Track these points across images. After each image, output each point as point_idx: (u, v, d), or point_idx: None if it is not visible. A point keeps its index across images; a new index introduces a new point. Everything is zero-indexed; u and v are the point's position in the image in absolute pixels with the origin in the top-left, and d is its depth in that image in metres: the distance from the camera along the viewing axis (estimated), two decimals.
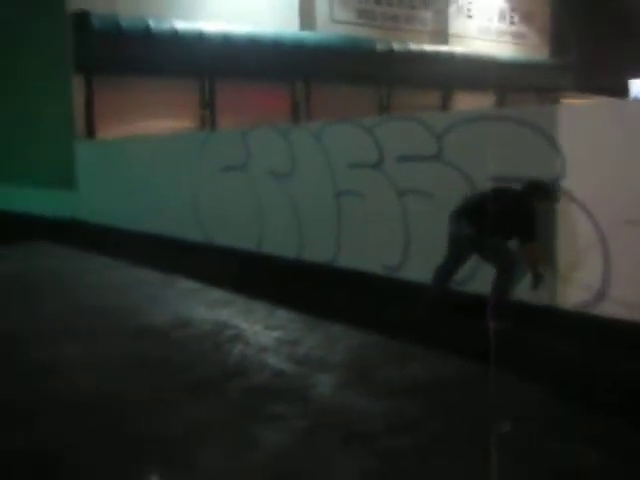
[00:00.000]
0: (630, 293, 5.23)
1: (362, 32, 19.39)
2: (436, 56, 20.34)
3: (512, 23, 24.20)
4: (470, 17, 22.76)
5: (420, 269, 6.58)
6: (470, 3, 22.70)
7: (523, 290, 5.88)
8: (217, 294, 7.04)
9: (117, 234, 11.30)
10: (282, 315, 6.12)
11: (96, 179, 12.77)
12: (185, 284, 7.61)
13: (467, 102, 21.41)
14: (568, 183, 5.53)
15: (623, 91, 25.21)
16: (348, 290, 7.01)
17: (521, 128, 5.83)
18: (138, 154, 11.38)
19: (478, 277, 6.19)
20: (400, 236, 6.86)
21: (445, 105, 21.42)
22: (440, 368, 4.68)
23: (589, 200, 5.42)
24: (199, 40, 15.45)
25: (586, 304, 5.52)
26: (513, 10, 24.13)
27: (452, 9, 22.04)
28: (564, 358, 4.79)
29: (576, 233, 5.54)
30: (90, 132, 14.34)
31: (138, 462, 3.47)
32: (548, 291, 5.74)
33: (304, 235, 8.12)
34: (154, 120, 15.09)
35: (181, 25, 15.26)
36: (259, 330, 5.67)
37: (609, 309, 5.35)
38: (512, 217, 5.54)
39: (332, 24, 18.84)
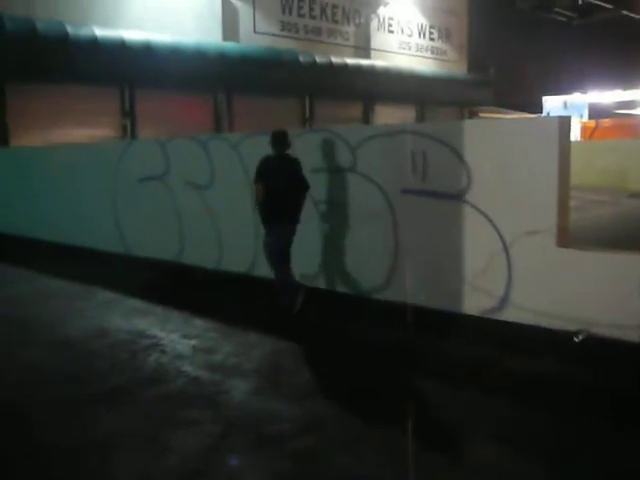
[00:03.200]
0: (530, 299, 5.57)
1: (285, 44, 19.63)
2: (358, 69, 20.79)
3: (432, 39, 25.01)
4: (391, 32, 23.38)
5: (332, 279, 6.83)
6: (391, 19, 23.32)
7: (433, 297, 6.18)
8: (135, 304, 7.01)
9: (35, 246, 11.03)
10: (199, 324, 6.17)
11: (10, 188, 12.41)
12: (103, 295, 7.53)
13: (388, 115, 21.97)
14: (473, 195, 5.84)
15: (538, 107, 26.44)
16: (265, 299, 7.11)
17: (432, 142, 6.11)
18: (56, 163, 11.16)
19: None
20: (318, 245, 7.03)
21: (366, 117, 21.90)
22: (347, 373, 4.85)
23: (493, 212, 5.74)
24: (120, 48, 15.30)
25: (491, 310, 5.83)
26: (432, 27, 24.94)
27: (373, 24, 22.59)
28: (477, 362, 5.06)
29: (481, 243, 5.85)
30: (3, 140, 13.94)
31: (51, 472, 3.48)
32: (455, 298, 6.03)
33: (223, 245, 8.19)
34: (73, 128, 14.85)
35: (101, 32, 15.07)
36: (175, 339, 5.71)
37: (511, 314, 5.68)
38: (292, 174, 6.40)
39: (255, 35, 19.01)
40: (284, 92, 18.93)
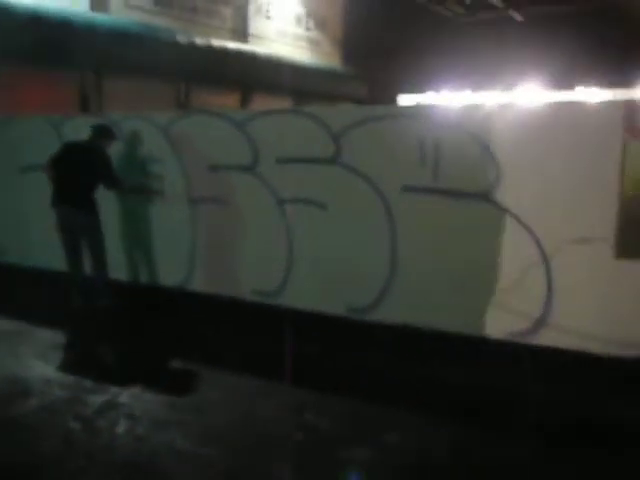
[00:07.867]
0: (576, 320, 4.60)
1: (159, 21, 17.65)
2: (238, 55, 19.28)
3: (308, 29, 24.01)
4: (269, 18, 22.06)
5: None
6: (269, 4, 22.01)
7: (444, 318, 5.04)
8: (47, 336, 5.18)
9: None
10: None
11: None
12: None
13: (266, 105, 20.65)
14: (503, 194, 4.77)
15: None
16: (213, 322, 5.56)
17: (445, 128, 4.96)
18: None
19: None
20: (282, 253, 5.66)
21: (244, 107, 20.49)
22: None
23: (528, 215, 4.70)
24: None
25: (522, 333, 4.79)
26: (308, 16, 23.95)
27: (251, 8, 21.14)
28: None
29: (512, 252, 4.79)
30: None
31: None
32: (477, 319, 4.93)
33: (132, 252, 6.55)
34: None
35: None
36: (139, 390, 4.07)
37: (549, 338, 4.68)
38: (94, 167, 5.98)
39: (126, 9, 16.90)
40: (159, 74, 16.94)
